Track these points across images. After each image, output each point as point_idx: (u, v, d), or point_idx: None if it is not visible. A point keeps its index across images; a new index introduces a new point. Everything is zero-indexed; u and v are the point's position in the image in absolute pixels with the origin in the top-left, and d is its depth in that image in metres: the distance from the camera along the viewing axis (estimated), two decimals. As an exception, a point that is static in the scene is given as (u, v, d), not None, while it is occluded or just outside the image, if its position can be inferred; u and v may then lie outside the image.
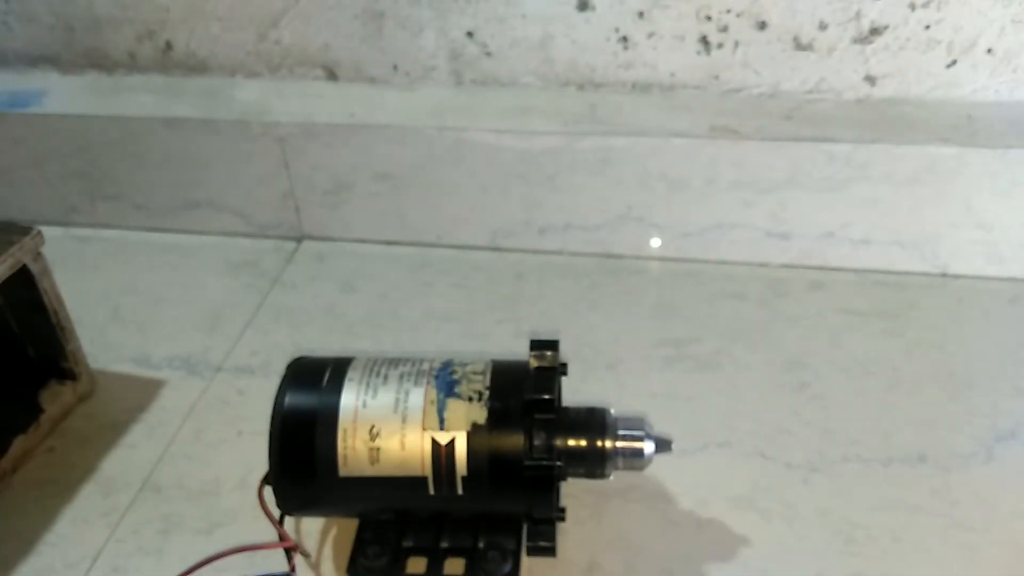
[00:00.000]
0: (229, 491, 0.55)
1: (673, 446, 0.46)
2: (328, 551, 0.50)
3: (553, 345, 0.45)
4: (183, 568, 0.48)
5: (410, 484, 0.43)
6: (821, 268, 0.70)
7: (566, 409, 0.46)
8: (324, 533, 0.51)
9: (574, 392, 0.48)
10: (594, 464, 0.45)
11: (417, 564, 0.46)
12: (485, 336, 0.66)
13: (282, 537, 0.47)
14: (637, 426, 0.45)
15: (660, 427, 0.46)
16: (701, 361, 0.63)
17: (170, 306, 0.72)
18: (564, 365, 0.46)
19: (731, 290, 0.69)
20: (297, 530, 0.51)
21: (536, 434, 0.43)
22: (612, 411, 0.46)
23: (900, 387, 0.59)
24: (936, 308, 0.66)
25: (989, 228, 0.66)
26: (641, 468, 0.45)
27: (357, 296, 0.72)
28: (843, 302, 0.67)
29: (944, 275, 0.69)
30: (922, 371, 0.60)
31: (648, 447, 0.45)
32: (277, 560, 0.47)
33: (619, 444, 0.44)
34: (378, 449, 0.42)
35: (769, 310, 0.67)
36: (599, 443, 0.44)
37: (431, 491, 0.43)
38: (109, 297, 0.73)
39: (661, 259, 0.73)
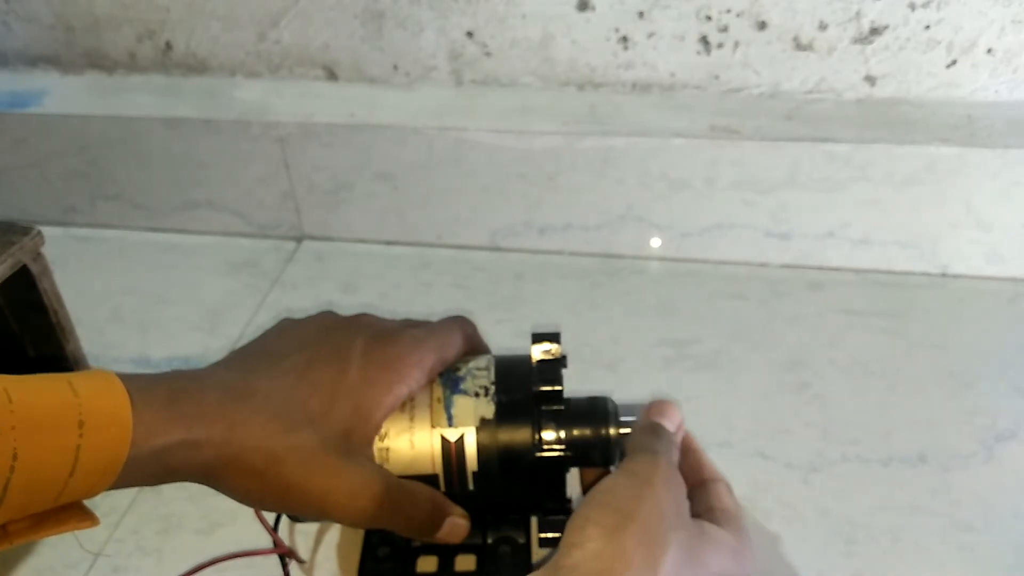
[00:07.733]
0: (229, 491, 0.55)
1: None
2: (321, 556, 0.50)
3: (555, 337, 0.45)
4: (183, 568, 0.48)
5: (421, 482, 0.43)
6: (821, 268, 0.70)
7: (567, 400, 0.46)
8: (318, 538, 0.51)
9: (573, 392, 0.48)
10: (601, 452, 0.45)
11: (427, 563, 0.46)
12: (485, 336, 0.66)
13: (276, 543, 0.47)
14: (639, 412, 0.45)
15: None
16: (701, 361, 0.63)
17: (170, 306, 0.72)
18: (564, 357, 0.46)
19: (731, 290, 0.69)
20: (291, 535, 0.51)
21: (545, 425, 0.43)
22: (612, 399, 0.46)
23: (900, 387, 0.59)
24: (936, 308, 0.66)
25: (989, 228, 0.66)
26: None
27: (357, 296, 0.72)
28: (843, 302, 0.67)
29: (944, 275, 0.69)
30: (922, 371, 0.60)
31: None
32: (272, 566, 0.47)
33: (623, 431, 0.44)
34: (387, 449, 0.42)
35: (769, 310, 0.67)
36: (604, 431, 0.44)
37: (442, 488, 0.43)
38: (109, 297, 0.73)
39: (661, 259, 0.73)
